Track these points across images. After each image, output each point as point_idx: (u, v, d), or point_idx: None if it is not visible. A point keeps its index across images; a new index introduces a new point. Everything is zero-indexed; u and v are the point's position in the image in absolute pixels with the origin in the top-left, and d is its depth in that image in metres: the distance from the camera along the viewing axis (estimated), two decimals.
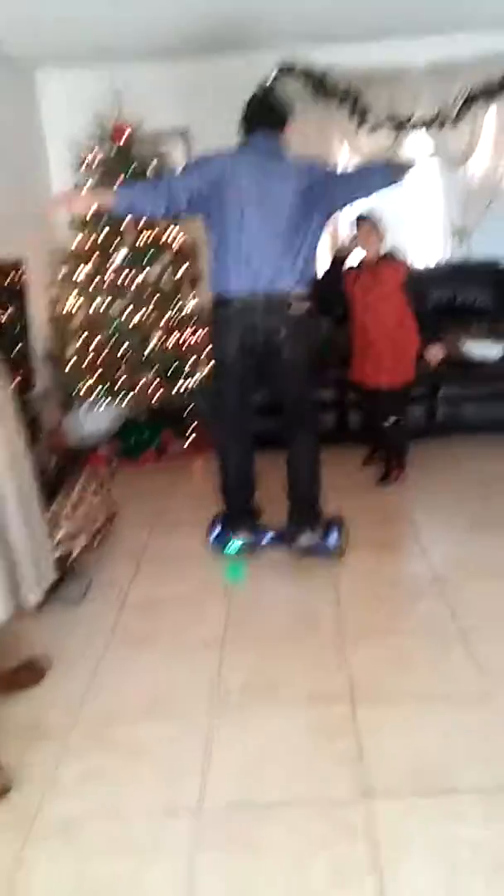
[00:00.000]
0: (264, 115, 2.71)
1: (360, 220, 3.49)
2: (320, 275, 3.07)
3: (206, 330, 4.20)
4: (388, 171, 2.74)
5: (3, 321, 3.13)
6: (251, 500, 3.00)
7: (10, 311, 3.19)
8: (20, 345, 3.28)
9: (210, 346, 2.94)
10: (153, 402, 4.11)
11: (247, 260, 2.61)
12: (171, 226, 4.17)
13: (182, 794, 1.72)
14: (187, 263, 4.19)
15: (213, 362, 2.91)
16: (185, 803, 1.69)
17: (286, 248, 2.64)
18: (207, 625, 2.47)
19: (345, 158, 4.73)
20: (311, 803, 1.67)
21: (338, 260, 3.59)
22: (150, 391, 4.07)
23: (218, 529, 2.99)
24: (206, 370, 4.15)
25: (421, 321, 3.52)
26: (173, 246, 4.15)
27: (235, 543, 2.94)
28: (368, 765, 1.77)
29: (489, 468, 3.73)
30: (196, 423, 4.29)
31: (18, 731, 1.97)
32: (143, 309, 4.05)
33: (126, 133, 4.09)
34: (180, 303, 4.17)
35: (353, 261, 3.59)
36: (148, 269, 4.06)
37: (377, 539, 3.08)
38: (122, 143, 4.08)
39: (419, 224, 4.85)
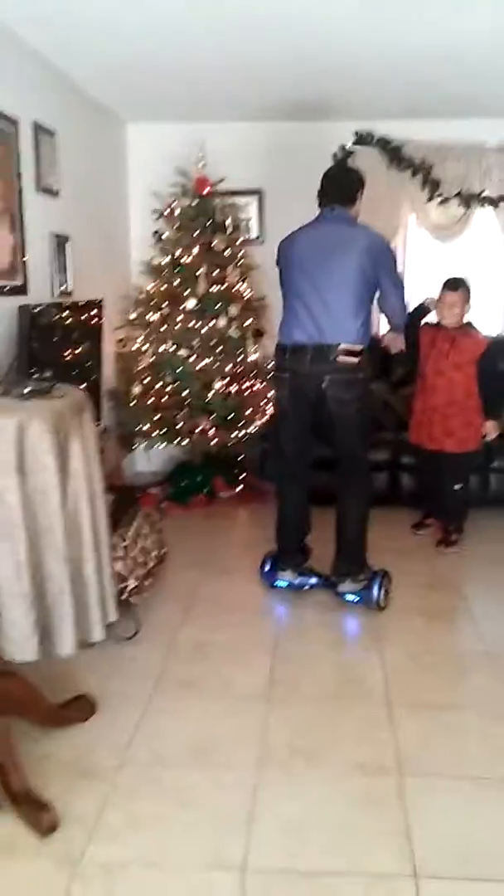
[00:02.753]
0: (333, 191, 2.96)
1: (450, 288, 3.43)
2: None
3: (264, 381, 4.29)
4: (403, 316, 3.07)
5: (77, 355, 3.22)
6: (300, 542, 3.14)
7: (85, 346, 3.29)
8: (93, 379, 3.37)
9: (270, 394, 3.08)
10: (211, 445, 4.18)
11: (301, 316, 2.88)
12: (241, 280, 4.29)
13: (227, 852, 1.68)
14: (253, 317, 4.29)
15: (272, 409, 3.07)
16: (229, 861, 1.65)
17: (339, 308, 2.84)
18: (253, 676, 2.45)
19: (412, 228, 4.85)
20: (357, 875, 1.62)
21: (419, 313, 3.54)
22: (207, 436, 4.14)
23: (269, 566, 3.16)
24: (262, 420, 4.21)
25: (485, 399, 3.50)
26: (244, 296, 4.26)
27: (282, 581, 3.10)
28: (415, 841, 1.71)
29: None
30: (247, 471, 4.34)
31: (64, 768, 1.96)
32: (208, 356, 4.15)
33: (208, 185, 4.26)
34: (243, 354, 4.26)
35: (430, 318, 3.57)
36: (215, 319, 4.18)
37: (424, 606, 3.04)
38: (204, 194, 4.24)
39: (479, 295, 4.89)
